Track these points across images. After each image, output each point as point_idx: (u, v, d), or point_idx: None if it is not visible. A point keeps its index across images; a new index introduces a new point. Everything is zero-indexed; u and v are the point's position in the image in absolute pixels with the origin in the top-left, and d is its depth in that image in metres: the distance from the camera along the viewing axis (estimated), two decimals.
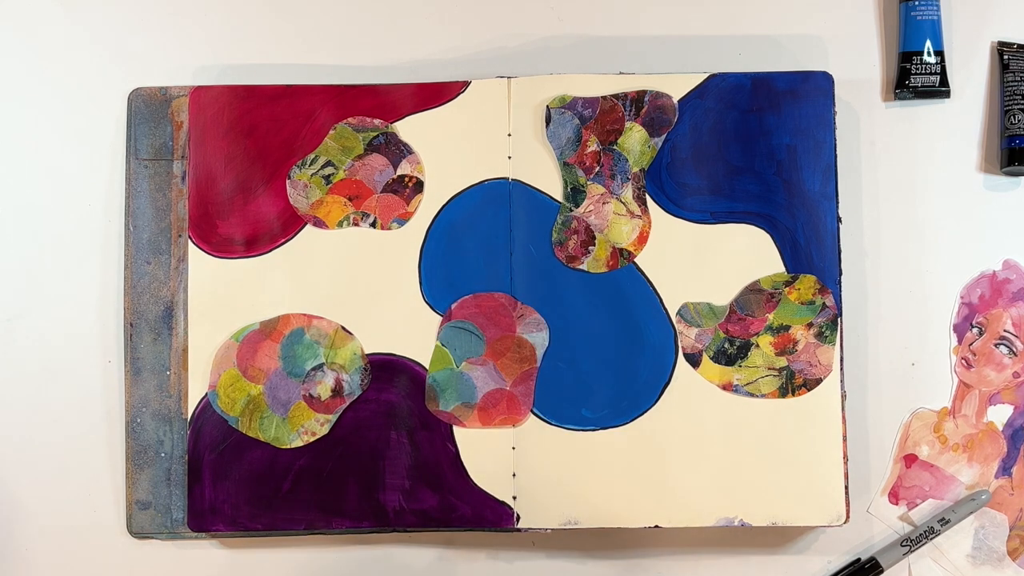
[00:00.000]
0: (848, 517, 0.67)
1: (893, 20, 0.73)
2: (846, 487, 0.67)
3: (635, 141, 0.69)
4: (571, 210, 0.69)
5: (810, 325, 0.68)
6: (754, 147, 0.69)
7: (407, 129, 0.70)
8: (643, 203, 0.69)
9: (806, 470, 0.67)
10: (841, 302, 0.68)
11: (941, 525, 0.69)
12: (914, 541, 0.69)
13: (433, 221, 0.69)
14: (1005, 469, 0.70)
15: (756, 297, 0.68)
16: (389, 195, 0.69)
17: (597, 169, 0.69)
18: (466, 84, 0.70)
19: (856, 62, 0.72)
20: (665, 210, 0.69)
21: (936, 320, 0.71)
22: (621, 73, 0.70)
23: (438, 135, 0.70)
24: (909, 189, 0.72)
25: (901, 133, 0.72)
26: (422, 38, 0.73)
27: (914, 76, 0.71)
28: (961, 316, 0.70)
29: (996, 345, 0.70)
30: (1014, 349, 0.70)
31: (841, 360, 0.68)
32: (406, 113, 0.70)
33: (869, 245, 0.72)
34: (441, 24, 0.73)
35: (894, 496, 0.70)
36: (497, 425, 0.68)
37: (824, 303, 0.68)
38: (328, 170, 0.70)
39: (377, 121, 0.70)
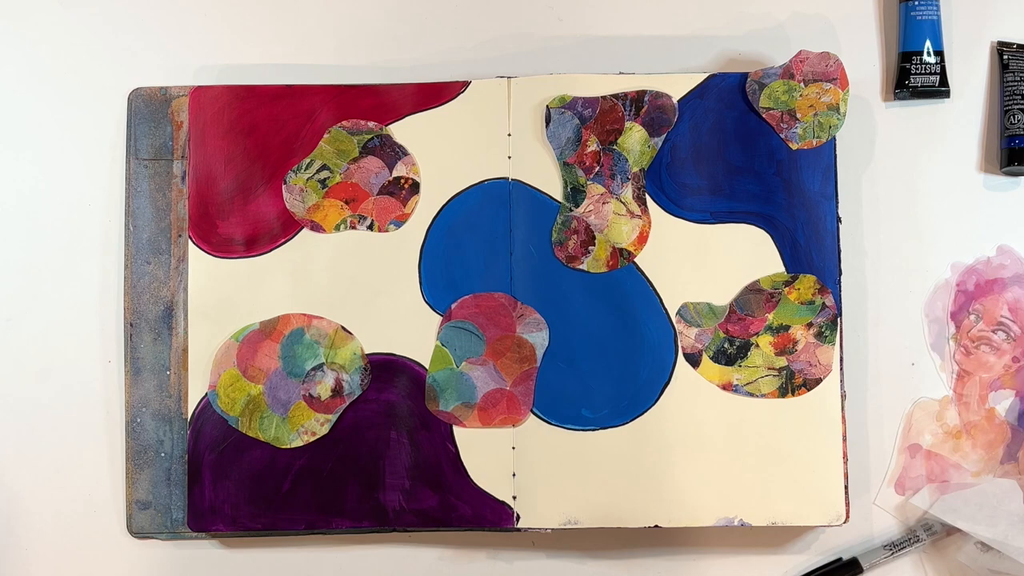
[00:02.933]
0: (848, 517, 0.67)
1: (893, 20, 0.73)
2: (846, 487, 0.67)
3: (635, 141, 0.69)
4: (571, 210, 0.69)
5: (810, 325, 0.68)
6: (754, 147, 0.69)
7: (407, 129, 0.70)
8: (643, 203, 0.69)
9: (806, 470, 0.67)
10: (841, 302, 0.68)
11: (926, 533, 0.69)
12: (896, 546, 0.69)
13: (433, 221, 0.69)
14: (1010, 455, 0.70)
15: (756, 297, 0.68)
16: (386, 197, 0.69)
17: (597, 169, 0.69)
18: (466, 84, 0.70)
19: (856, 62, 0.72)
20: (665, 210, 0.69)
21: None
22: (621, 73, 0.70)
23: (438, 135, 0.70)
24: (909, 189, 0.72)
25: (901, 133, 0.72)
26: (422, 38, 0.73)
27: (914, 76, 0.71)
28: (958, 304, 0.70)
29: (994, 331, 0.70)
30: (1011, 334, 0.70)
31: (841, 360, 0.68)
32: (406, 113, 0.70)
33: (869, 245, 0.72)
34: (441, 24, 0.74)
35: (900, 487, 0.70)
36: (497, 425, 0.68)
37: (824, 303, 0.68)
38: (324, 174, 0.70)
39: (371, 124, 0.70)
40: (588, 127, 0.69)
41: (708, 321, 0.68)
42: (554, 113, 0.69)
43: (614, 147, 0.69)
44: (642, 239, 0.69)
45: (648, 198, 0.69)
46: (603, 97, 0.69)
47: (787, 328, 0.68)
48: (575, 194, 0.69)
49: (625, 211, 0.69)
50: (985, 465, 0.70)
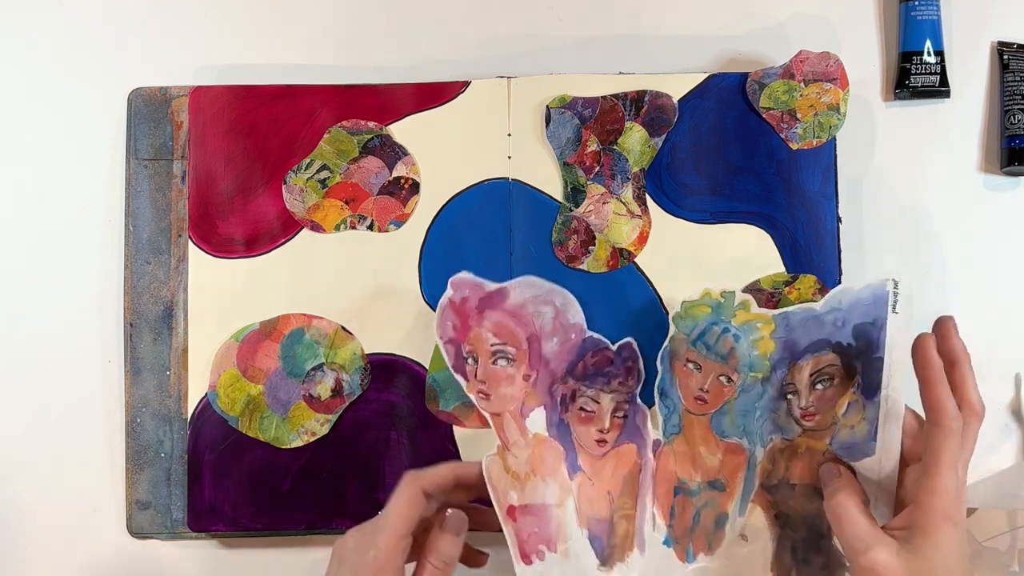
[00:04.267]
0: None
1: (893, 20, 0.73)
2: None
3: (635, 141, 0.69)
4: (571, 210, 0.69)
5: None
6: (754, 147, 0.69)
7: (407, 129, 0.70)
8: (643, 203, 0.69)
9: None
10: None
11: None
12: None
13: (433, 221, 0.69)
14: (573, 467, 0.64)
15: (756, 297, 0.68)
16: (386, 197, 0.69)
17: (597, 169, 0.69)
18: (466, 84, 0.70)
19: (856, 62, 0.72)
20: (665, 210, 0.69)
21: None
22: (621, 73, 0.70)
23: (438, 135, 0.70)
24: (909, 189, 0.72)
25: (901, 133, 0.72)
26: (422, 38, 0.73)
27: (914, 76, 0.71)
28: (455, 357, 0.63)
29: (494, 362, 0.63)
30: (509, 356, 0.63)
31: None
32: (406, 113, 0.70)
33: (869, 245, 0.71)
34: (441, 24, 0.74)
35: (525, 556, 0.63)
36: None
37: None
38: (324, 174, 0.70)
39: (371, 124, 0.70)
40: (588, 127, 0.69)
41: None
42: (554, 113, 0.69)
43: (614, 147, 0.69)
44: (642, 239, 0.69)
45: (648, 198, 0.69)
46: (603, 97, 0.69)
47: None
48: (575, 194, 0.69)
49: (625, 211, 0.69)
50: (561, 488, 0.62)
